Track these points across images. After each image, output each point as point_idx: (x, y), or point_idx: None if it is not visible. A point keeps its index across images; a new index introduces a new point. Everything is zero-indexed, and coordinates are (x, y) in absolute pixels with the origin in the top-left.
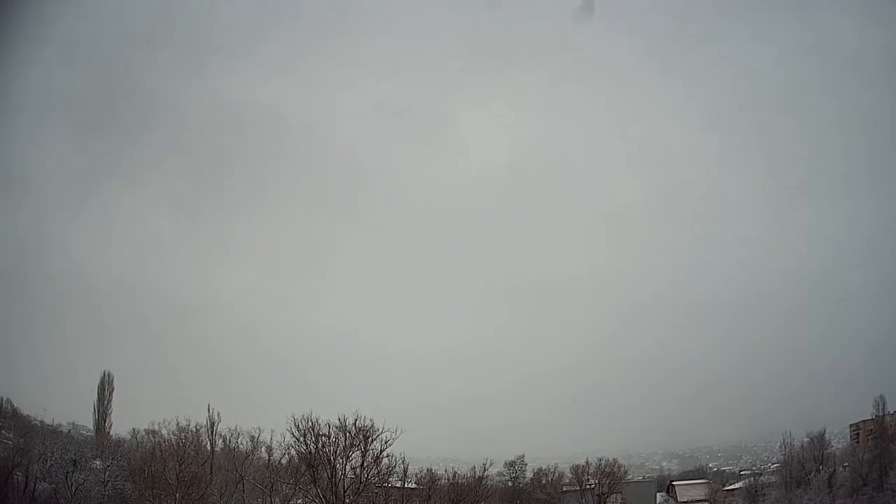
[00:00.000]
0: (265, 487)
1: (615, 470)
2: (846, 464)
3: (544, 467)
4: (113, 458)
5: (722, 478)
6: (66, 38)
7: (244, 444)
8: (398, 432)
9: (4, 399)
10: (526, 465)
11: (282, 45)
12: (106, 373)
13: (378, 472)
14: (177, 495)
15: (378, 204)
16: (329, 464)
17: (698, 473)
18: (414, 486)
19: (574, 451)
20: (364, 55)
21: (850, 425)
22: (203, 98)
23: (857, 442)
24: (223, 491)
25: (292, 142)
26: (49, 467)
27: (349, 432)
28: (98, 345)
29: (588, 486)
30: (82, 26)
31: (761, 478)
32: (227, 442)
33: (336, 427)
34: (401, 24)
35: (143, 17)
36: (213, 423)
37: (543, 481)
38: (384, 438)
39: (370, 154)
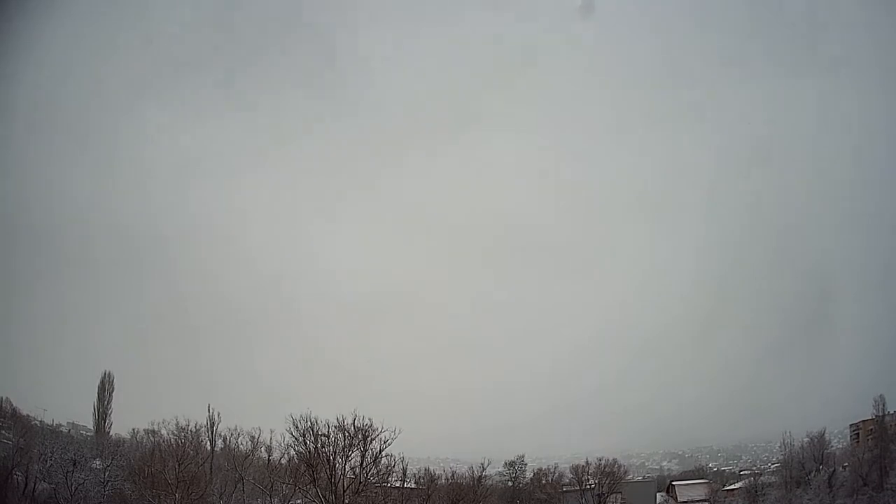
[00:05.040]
0: (265, 487)
1: (615, 470)
2: (846, 464)
3: (544, 467)
4: (113, 458)
5: (722, 478)
6: None
7: (244, 444)
8: (397, 432)
9: (4, 399)
10: (526, 465)
11: None
12: (106, 373)
13: (377, 472)
14: (176, 495)
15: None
16: (328, 463)
17: (698, 473)
18: (413, 485)
19: (574, 451)
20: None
21: (850, 425)
22: None
23: (857, 442)
24: (223, 491)
25: None
26: (49, 467)
27: (348, 432)
28: (98, 345)
29: (588, 486)
30: None
31: (761, 478)
32: (227, 442)
33: (335, 427)
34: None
35: None
36: (213, 423)
37: (543, 481)
38: (383, 438)
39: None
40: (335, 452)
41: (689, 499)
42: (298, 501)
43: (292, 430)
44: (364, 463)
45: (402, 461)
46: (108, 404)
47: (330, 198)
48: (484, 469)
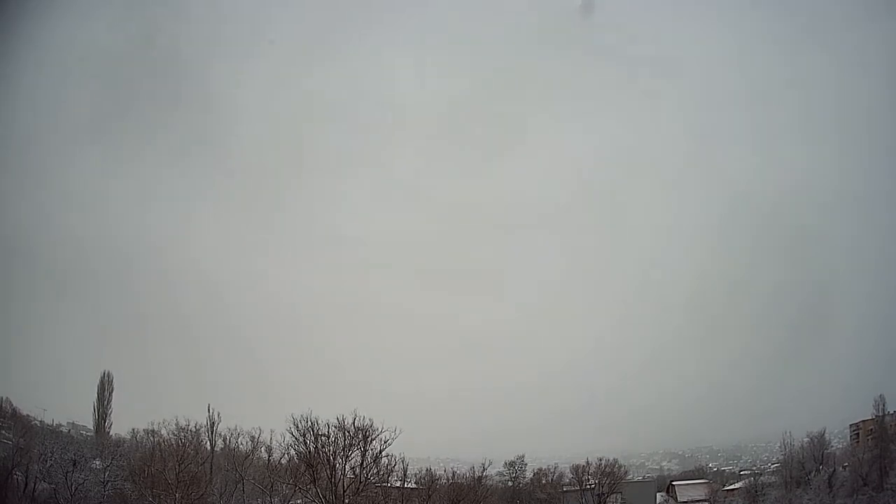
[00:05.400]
0: (265, 487)
1: (615, 470)
2: (846, 464)
3: (544, 467)
4: (113, 458)
5: (722, 478)
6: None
7: (244, 444)
8: (397, 432)
9: (4, 399)
10: (526, 465)
11: None
12: (106, 373)
13: (378, 472)
14: (177, 495)
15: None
16: (328, 463)
17: (698, 473)
18: (413, 485)
19: (574, 451)
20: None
21: (850, 425)
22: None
23: (857, 442)
24: (223, 491)
25: None
26: (49, 467)
27: (348, 432)
28: (98, 345)
29: (588, 486)
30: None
31: (761, 478)
32: (227, 442)
33: (335, 427)
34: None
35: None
36: (213, 423)
37: (543, 481)
38: (383, 438)
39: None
40: (335, 452)
41: (689, 499)
42: (298, 501)
43: (292, 430)
44: (364, 463)
45: (402, 461)
46: (108, 404)
47: (329, 195)
48: (485, 469)
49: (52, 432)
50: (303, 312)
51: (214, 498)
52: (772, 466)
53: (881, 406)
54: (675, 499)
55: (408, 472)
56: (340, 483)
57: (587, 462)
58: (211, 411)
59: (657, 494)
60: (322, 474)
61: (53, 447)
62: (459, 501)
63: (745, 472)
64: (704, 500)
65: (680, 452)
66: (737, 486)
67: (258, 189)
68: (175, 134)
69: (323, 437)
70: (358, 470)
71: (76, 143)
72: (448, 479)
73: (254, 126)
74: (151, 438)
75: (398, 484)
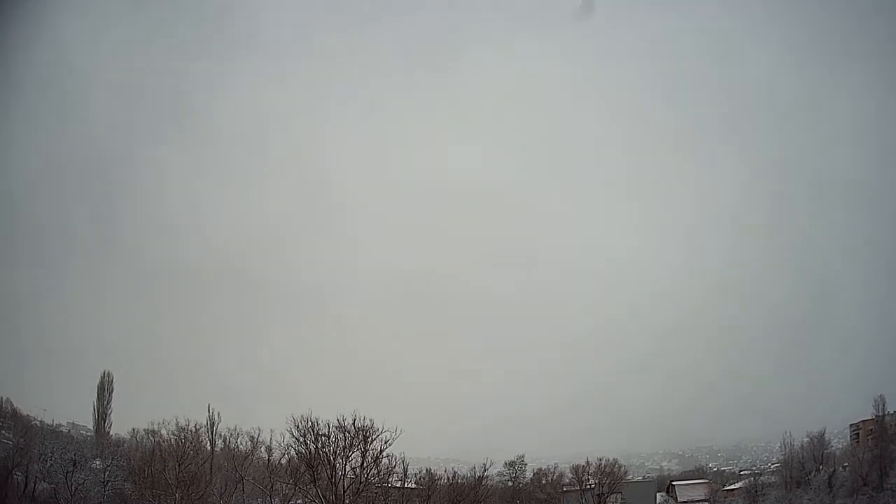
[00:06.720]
0: (265, 487)
1: (615, 470)
2: (846, 464)
3: (544, 467)
4: (113, 458)
5: (722, 478)
6: None
7: (244, 444)
8: (398, 432)
9: (4, 399)
10: (526, 465)
11: None
12: (106, 373)
13: (378, 472)
14: (177, 495)
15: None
16: (329, 464)
17: (698, 473)
18: (414, 486)
19: (574, 451)
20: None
21: (850, 425)
22: None
23: (857, 442)
24: (223, 491)
25: None
26: (49, 467)
27: (348, 432)
28: (98, 345)
29: (588, 486)
30: None
31: (761, 478)
32: (227, 442)
33: (335, 427)
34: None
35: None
36: (213, 423)
37: (543, 481)
38: (384, 438)
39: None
40: (335, 453)
41: (689, 499)
42: (299, 502)
43: (293, 430)
44: (364, 463)
45: (402, 461)
46: (108, 404)
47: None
48: (485, 469)
49: (52, 432)
50: (304, 313)
51: (214, 498)
52: (772, 466)
53: (881, 406)
54: (675, 499)
55: (408, 472)
56: (341, 483)
57: (587, 462)
58: (211, 411)
59: (657, 494)
60: (322, 475)
61: (53, 447)
62: (460, 502)
63: (745, 472)
64: (704, 500)
65: (680, 452)
66: (737, 486)
67: None
68: None
69: (323, 438)
70: (358, 470)
71: None
72: (448, 480)
73: None
74: (151, 438)
75: (398, 484)
